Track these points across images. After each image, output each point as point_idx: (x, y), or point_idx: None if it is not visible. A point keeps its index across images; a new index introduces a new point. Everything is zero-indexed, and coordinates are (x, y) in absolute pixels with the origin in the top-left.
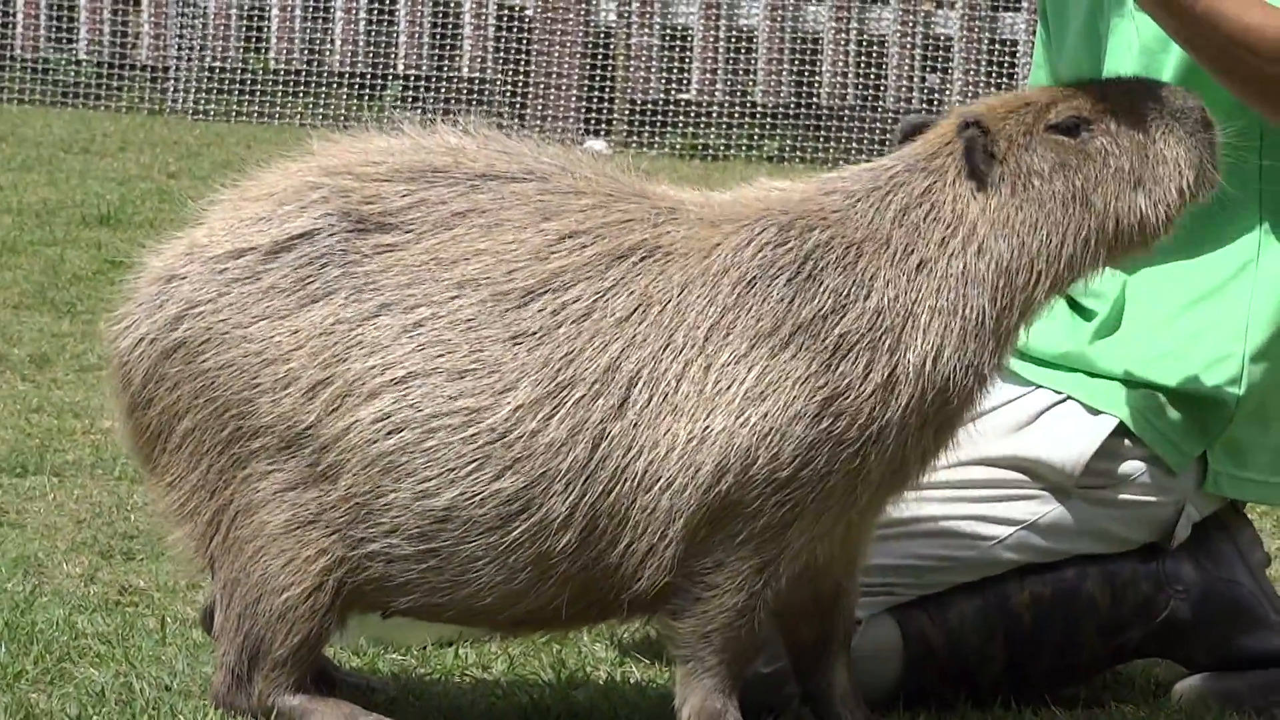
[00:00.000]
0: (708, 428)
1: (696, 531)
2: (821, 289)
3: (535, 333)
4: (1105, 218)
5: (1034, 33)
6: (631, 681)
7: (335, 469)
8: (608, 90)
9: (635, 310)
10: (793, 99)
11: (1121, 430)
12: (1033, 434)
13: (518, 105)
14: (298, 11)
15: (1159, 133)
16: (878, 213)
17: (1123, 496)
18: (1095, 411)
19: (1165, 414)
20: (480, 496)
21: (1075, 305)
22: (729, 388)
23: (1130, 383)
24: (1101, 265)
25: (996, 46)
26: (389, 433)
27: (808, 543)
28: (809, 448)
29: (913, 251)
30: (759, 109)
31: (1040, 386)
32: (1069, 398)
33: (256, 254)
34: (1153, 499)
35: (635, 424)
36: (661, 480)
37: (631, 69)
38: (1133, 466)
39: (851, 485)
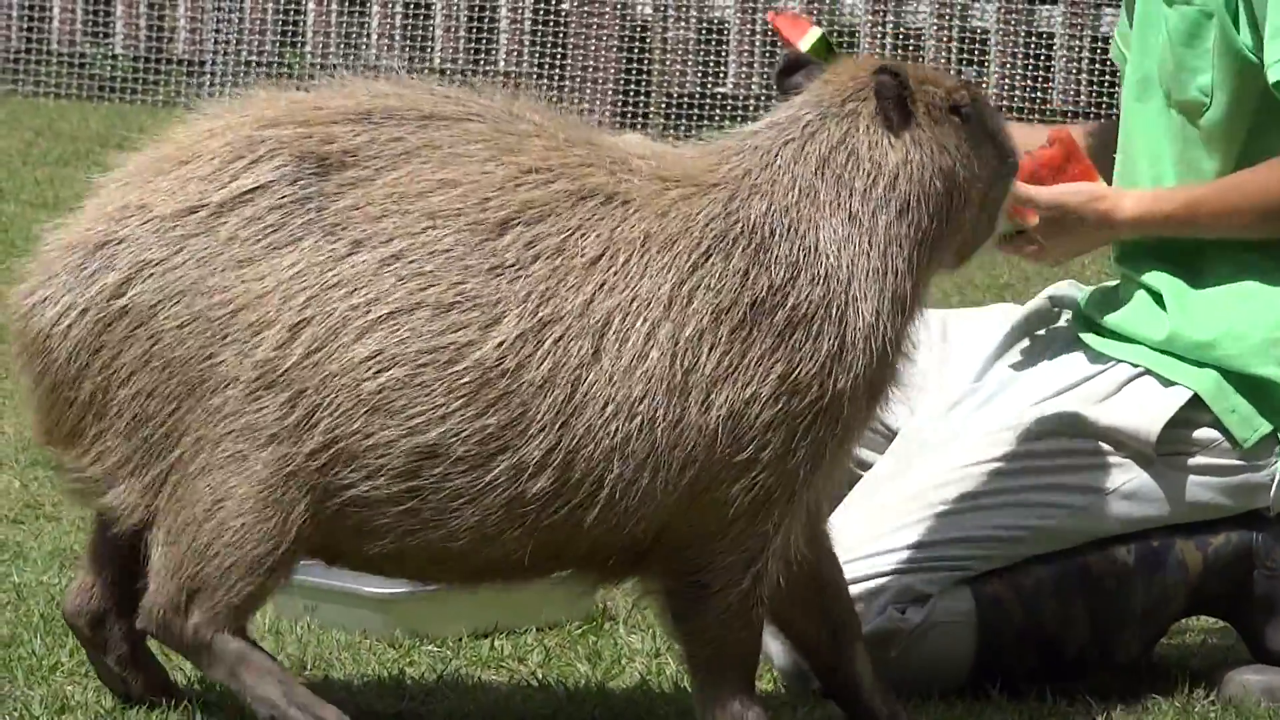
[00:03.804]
0: (681, 413)
1: (671, 519)
2: (773, 259)
3: (513, 264)
4: (971, 208)
5: (1070, 25)
6: (667, 673)
7: (313, 414)
8: (644, 84)
9: (604, 254)
10: None
11: (1198, 400)
12: (1113, 405)
13: (554, 99)
14: (332, 5)
15: (999, 154)
16: (801, 166)
17: (1205, 461)
18: (1170, 383)
19: (1232, 391)
20: (465, 433)
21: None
22: (694, 369)
23: (1199, 362)
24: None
25: (1033, 39)
26: (379, 370)
27: (785, 530)
28: (765, 429)
29: (841, 205)
30: None
31: (1120, 361)
32: (1147, 371)
33: (208, 209)
34: (1240, 463)
35: (610, 377)
36: (633, 456)
37: (668, 62)
38: (1211, 434)
39: (813, 463)
